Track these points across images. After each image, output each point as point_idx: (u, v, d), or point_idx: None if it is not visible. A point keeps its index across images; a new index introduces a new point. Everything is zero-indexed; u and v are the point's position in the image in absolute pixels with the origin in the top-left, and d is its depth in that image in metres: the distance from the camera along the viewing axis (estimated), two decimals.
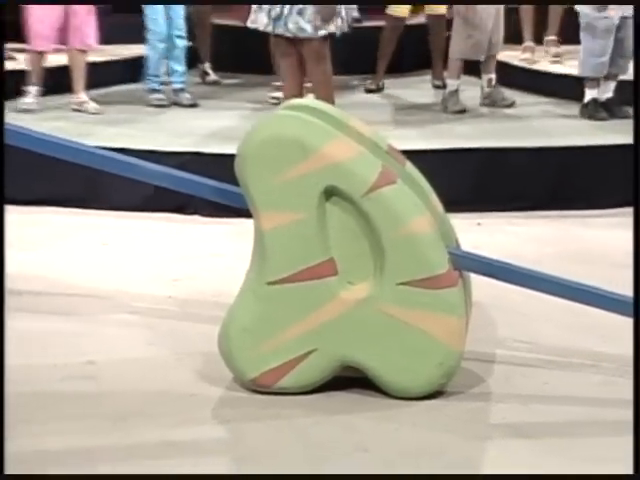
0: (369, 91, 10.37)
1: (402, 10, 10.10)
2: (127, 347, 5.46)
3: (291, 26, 7.99)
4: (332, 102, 7.86)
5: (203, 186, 5.18)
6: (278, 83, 9.41)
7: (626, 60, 8.75)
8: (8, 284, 6.19)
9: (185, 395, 4.88)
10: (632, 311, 4.90)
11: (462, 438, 4.54)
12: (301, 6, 7.95)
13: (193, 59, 10.28)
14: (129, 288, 6.23)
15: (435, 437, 4.52)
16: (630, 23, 8.55)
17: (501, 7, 9.31)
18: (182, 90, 9.70)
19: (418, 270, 4.59)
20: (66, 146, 5.41)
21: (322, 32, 8.07)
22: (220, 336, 4.83)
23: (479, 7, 9.07)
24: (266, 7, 8.08)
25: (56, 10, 8.97)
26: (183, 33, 9.69)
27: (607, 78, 8.80)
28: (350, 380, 4.82)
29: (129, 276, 6.42)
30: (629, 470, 4.26)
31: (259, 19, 8.22)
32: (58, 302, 6.06)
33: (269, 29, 8.20)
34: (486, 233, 7.35)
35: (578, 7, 8.84)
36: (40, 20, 9.00)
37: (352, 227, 4.65)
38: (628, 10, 8.53)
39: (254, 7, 8.26)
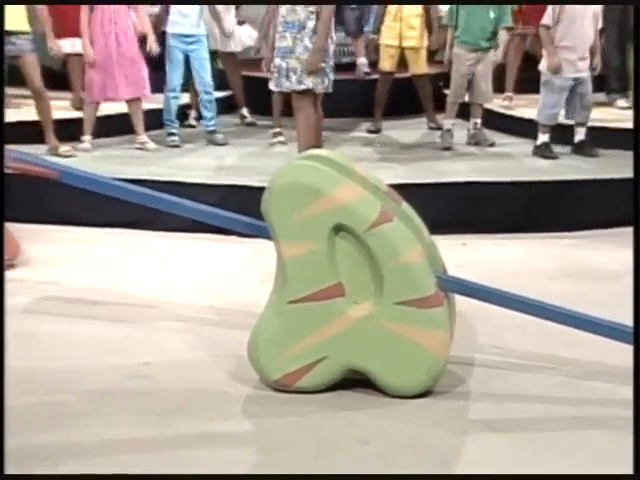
0: (370, 132, 10.33)
1: (389, 65, 10.02)
2: (175, 350, 5.44)
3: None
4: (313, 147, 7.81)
5: (236, 221, 5.18)
6: None
7: (588, 111, 8.68)
8: (84, 295, 6.23)
9: (220, 392, 4.86)
10: (590, 328, 4.87)
11: (447, 432, 4.51)
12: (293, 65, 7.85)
13: (232, 106, 10.21)
14: (178, 299, 6.22)
15: (424, 431, 4.49)
16: (586, 82, 8.52)
17: (490, 67, 9.23)
18: (214, 132, 9.62)
19: (411, 292, 4.58)
20: (114, 186, 5.42)
21: (301, 86, 7.90)
22: (249, 344, 4.83)
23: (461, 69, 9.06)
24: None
25: (113, 65, 8.94)
26: (210, 88, 9.63)
27: (577, 125, 8.73)
28: (355, 381, 4.79)
29: (178, 289, 6.41)
30: (588, 459, 4.21)
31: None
32: (122, 311, 6.04)
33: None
34: (470, 252, 7.31)
35: (540, 66, 8.81)
36: (94, 78, 8.97)
37: (356, 257, 4.63)
38: (583, 72, 8.51)
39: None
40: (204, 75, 9.50)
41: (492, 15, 9.00)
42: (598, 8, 8.60)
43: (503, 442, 4.39)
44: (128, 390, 4.92)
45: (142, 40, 9.10)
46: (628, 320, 4.91)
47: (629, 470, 4.11)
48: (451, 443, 4.43)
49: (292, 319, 4.70)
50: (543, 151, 8.61)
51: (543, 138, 8.66)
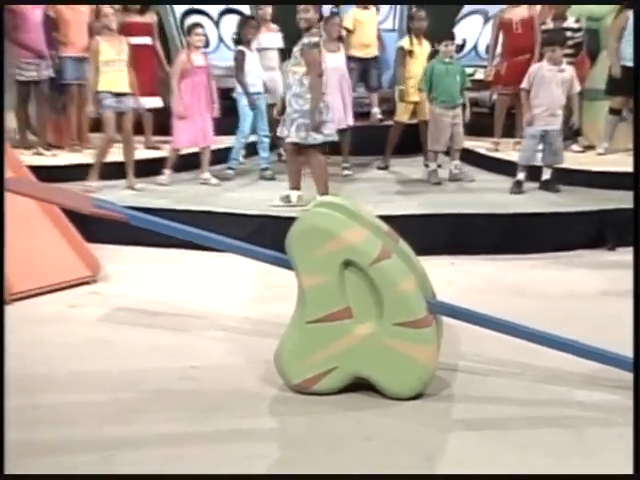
0: (380, 168, 10.15)
1: (406, 117, 9.85)
2: (217, 355, 5.33)
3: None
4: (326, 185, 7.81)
5: (265, 255, 5.06)
6: None
7: (556, 156, 8.53)
8: (148, 307, 6.17)
9: (252, 393, 4.76)
10: (556, 345, 4.80)
11: (434, 430, 4.39)
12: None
13: (273, 145, 10.11)
14: (221, 310, 6.12)
15: (416, 429, 4.36)
16: (554, 133, 8.37)
17: (461, 119, 9.05)
18: (267, 169, 9.50)
19: (406, 315, 4.49)
20: (170, 227, 5.30)
21: (310, 140, 7.73)
22: (275, 354, 4.74)
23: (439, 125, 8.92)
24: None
25: (196, 122, 8.87)
26: (267, 132, 9.55)
27: (545, 167, 8.59)
28: (360, 385, 4.66)
29: (222, 301, 6.28)
30: (549, 452, 4.08)
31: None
32: (176, 321, 5.95)
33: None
34: (457, 271, 7.15)
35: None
36: (182, 129, 8.90)
37: (362, 286, 4.53)
38: (552, 125, 8.38)
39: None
40: (263, 124, 9.40)
41: (458, 79, 8.92)
42: (570, 75, 8.42)
43: (478, 439, 4.26)
44: (179, 390, 4.83)
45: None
46: (572, 332, 4.92)
47: (588, 462, 4.00)
48: (436, 440, 4.30)
49: (309, 336, 4.62)
50: (514, 188, 8.41)
51: (519, 176, 8.48)
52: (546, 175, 8.57)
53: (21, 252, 6.30)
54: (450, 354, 5.03)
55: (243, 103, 9.25)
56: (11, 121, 9.83)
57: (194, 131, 8.89)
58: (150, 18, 9.97)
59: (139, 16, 9.79)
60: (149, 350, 5.38)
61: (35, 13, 9.30)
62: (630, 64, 9.12)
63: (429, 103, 9.06)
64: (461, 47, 11.14)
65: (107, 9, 8.46)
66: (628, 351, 4.74)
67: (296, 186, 7.99)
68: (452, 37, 9.25)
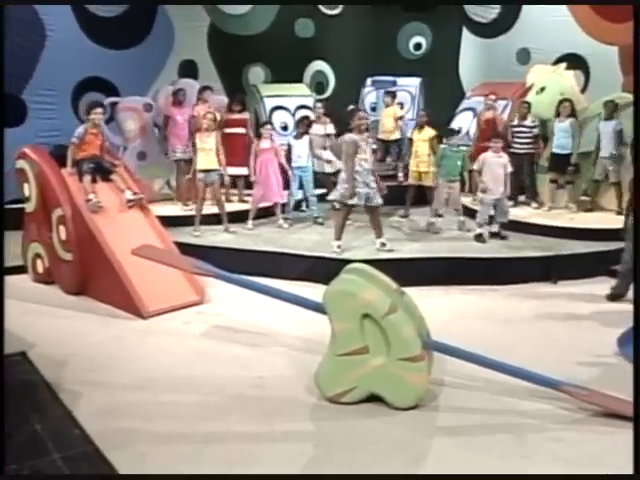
0: (401, 217, 9.65)
1: (411, 181, 9.25)
2: (278, 368, 5.10)
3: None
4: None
5: (307, 302, 4.82)
6: None
7: (505, 216, 8.09)
8: (235, 324, 5.92)
9: (300, 401, 4.55)
10: (504, 370, 4.55)
11: (422, 436, 4.16)
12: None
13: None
14: (284, 329, 5.87)
15: (410, 435, 4.15)
16: (502, 200, 8.02)
17: (458, 190, 8.64)
18: (318, 217, 9.14)
19: (406, 352, 4.30)
20: (242, 282, 5.14)
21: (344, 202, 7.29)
22: (315, 374, 4.57)
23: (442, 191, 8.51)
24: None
25: (265, 185, 8.63)
26: (313, 192, 9.15)
27: (496, 222, 8.13)
28: (374, 398, 4.44)
29: (287, 322, 5.92)
30: (501, 456, 3.84)
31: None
32: (251, 337, 5.73)
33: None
34: (449, 299, 6.77)
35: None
36: (258, 188, 8.65)
37: (376, 331, 4.33)
38: (498, 195, 7.95)
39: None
40: (309, 187, 9.09)
41: (459, 163, 8.51)
42: (506, 161, 8.06)
43: (453, 444, 4.05)
44: (250, 396, 4.64)
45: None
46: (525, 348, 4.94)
47: (528, 461, 3.75)
48: (423, 444, 4.07)
49: (338, 364, 4.44)
50: (477, 239, 8.00)
51: (479, 231, 8.04)
52: (494, 228, 8.14)
53: (153, 282, 6.21)
54: (439, 371, 4.79)
55: (291, 173, 8.97)
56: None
57: (264, 192, 8.64)
58: (246, 115, 9.81)
59: (238, 114, 9.63)
60: (232, 361, 5.20)
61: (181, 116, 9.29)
62: (556, 151, 9.00)
63: (436, 176, 8.67)
64: (457, 132, 10.74)
65: (208, 116, 8.31)
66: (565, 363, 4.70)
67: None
68: (457, 132, 9.00)
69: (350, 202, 7.26)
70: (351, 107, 9.26)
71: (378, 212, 7.50)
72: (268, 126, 8.89)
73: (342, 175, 7.33)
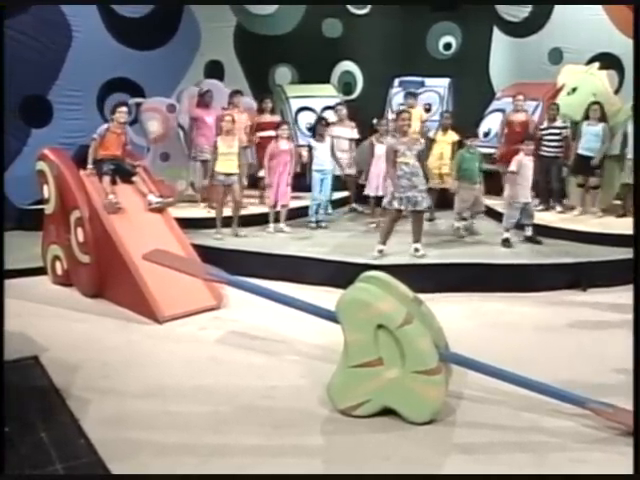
0: (426, 220, 9.36)
1: (436, 181, 8.95)
2: (291, 377, 4.93)
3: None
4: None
5: (320, 310, 4.64)
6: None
7: (530, 219, 7.89)
8: (249, 331, 5.77)
9: (311, 412, 4.38)
10: (525, 386, 4.36)
11: (438, 453, 3.95)
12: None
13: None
14: (299, 337, 5.70)
15: (424, 452, 3.94)
16: (528, 207, 7.83)
17: (481, 191, 8.36)
18: (321, 221, 8.78)
19: (421, 365, 4.11)
20: (259, 291, 5.00)
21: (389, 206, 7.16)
22: (327, 386, 4.40)
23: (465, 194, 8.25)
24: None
25: (279, 185, 8.46)
26: (329, 197, 9.00)
27: (526, 226, 7.92)
28: (388, 411, 4.26)
29: (302, 330, 5.72)
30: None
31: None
32: (266, 344, 5.57)
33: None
34: (472, 307, 6.53)
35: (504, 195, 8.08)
36: (272, 191, 8.49)
37: (390, 343, 4.15)
38: (527, 199, 7.80)
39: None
40: (328, 191, 8.89)
41: (477, 164, 8.23)
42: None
43: (469, 462, 3.83)
44: (261, 406, 4.48)
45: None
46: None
47: None
48: (438, 461, 3.86)
49: (351, 377, 4.26)
50: (505, 244, 7.75)
51: (507, 235, 7.81)
52: (528, 232, 7.90)
53: (170, 286, 6.09)
54: (457, 383, 4.58)
55: (312, 176, 8.81)
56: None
57: (277, 195, 8.46)
58: (277, 117, 9.69)
59: (270, 116, 9.52)
60: (246, 369, 5.05)
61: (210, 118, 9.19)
62: (583, 153, 8.75)
63: (456, 180, 8.42)
64: (487, 134, 10.50)
65: (226, 118, 8.14)
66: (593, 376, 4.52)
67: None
68: (476, 135, 8.68)
69: (394, 207, 7.08)
70: (375, 121, 9.02)
71: (422, 216, 7.35)
72: (285, 126, 8.66)
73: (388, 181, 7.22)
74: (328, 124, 9.05)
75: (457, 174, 8.30)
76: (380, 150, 8.49)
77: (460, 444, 4.02)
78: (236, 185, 8.10)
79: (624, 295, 6.56)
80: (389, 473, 3.67)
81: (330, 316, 4.41)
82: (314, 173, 8.75)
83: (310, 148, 8.89)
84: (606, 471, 3.70)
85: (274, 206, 8.54)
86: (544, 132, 8.93)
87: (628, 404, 4.15)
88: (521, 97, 9.27)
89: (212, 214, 8.60)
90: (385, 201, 7.29)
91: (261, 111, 9.59)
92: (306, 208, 8.95)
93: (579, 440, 4.04)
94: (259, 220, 8.64)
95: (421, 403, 4.13)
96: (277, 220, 8.56)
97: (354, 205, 9.92)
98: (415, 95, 10.24)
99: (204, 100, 9.28)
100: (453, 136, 8.95)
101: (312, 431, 4.14)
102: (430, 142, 9.23)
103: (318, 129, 8.81)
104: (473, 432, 4.15)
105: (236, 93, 9.43)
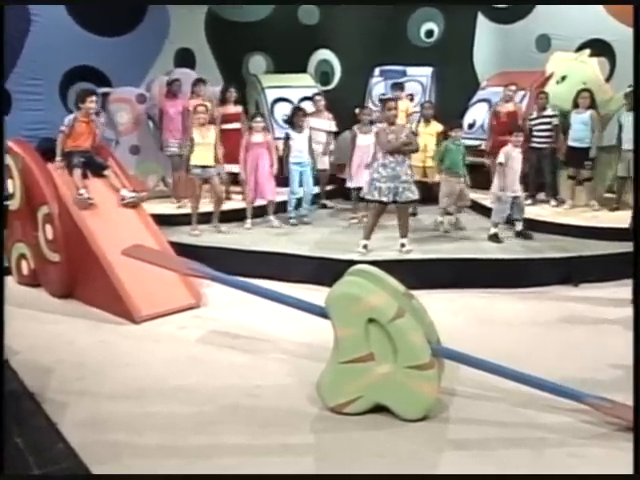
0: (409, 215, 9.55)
1: (418, 175, 9.02)
2: (277, 376, 5.01)
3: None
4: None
5: (312, 306, 4.68)
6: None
7: (521, 214, 8.06)
8: (232, 329, 5.85)
9: (299, 411, 4.46)
10: (522, 381, 4.48)
11: (432, 450, 4.04)
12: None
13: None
14: (285, 336, 5.79)
15: (417, 449, 4.04)
16: (518, 201, 7.99)
17: (467, 184, 8.49)
18: (304, 216, 8.93)
19: (414, 359, 4.21)
20: (244, 286, 5.05)
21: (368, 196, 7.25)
22: (317, 383, 4.49)
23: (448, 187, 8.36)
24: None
25: (257, 180, 8.55)
26: (312, 192, 9.08)
27: (516, 221, 8.08)
28: (380, 408, 4.36)
29: (287, 327, 5.84)
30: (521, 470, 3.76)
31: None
32: (249, 343, 5.65)
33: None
34: (460, 303, 6.65)
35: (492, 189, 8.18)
36: (250, 186, 8.58)
37: (382, 337, 4.25)
38: (517, 192, 7.96)
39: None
40: (310, 184, 8.95)
41: (460, 156, 8.35)
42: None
43: (464, 458, 3.93)
44: (245, 406, 4.54)
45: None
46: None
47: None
48: (432, 458, 3.96)
49: (342, 373, 4.35)
50: (493, 239, 7.90)
51: (495, 230, 7.96)
52: (518, 227, 8.06)
53: (146, 284, 6.15)
54: (450, 379, 4.69)
55: (290, 169, 8.86)
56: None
57: (256, 189, 8.56)
58: (240, 108, 9.69)
59: (234, 107, 9.53)
60: (228, 368, 5.13)
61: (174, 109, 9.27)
62: (573, 144, 8.89)
63: (439, 172, 8.57)
64: (471, 125, 10.67)
65: (200, 108, 8.21)
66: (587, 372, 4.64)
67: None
68: (460, 126, 8.82)
69: (374, 198, 7.14)
70: (357, 110, 9.12)
71: (406, 209, 7.43)
72: (259, 118, 8.70)
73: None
74: (306, 114, 9.11)
75: (441, 167, 8.44)
76: (362, 141, 8.60)
77: (455, 440, 4.13)
78: (215, 178, 8.17)
79: (618, 290, 6.75)
80: (382, 472, 3.77)
81: (322, 312, 4.51)
82: (291, 166, 8.79)
83: (287, 139, 8.89)
84: (605, 467, 3.82)
85: (252, 202, 8.61)
86: (534, 122, 9.10)
87: (624, 400, 4.30)
88: (513, 87, 9.43)
89: (183, 210, 8.67)
90: (364, 190, 7.36)
91: (224, 102, 9.51)
92: (284, 203, 9.01)
93: (577, 436, 4.17)
94: (237, 216, 8.72)
95: (414, 399, 4.24)
96: (258, 216, 8.63)
97: (324, 201, 10.03)
98: (402, 86, 10.32)
99: (171, 90, 9.29)
100: (437, 127, 9.10)
101: (301, 430, 4.22)
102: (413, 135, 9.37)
103: (296, 119, 8.82)
104: (468, 428, 4.26)
105: (199, 82, 9.39)
